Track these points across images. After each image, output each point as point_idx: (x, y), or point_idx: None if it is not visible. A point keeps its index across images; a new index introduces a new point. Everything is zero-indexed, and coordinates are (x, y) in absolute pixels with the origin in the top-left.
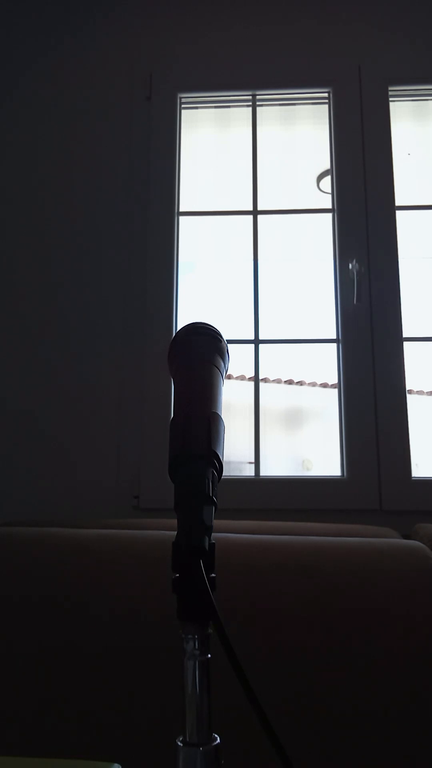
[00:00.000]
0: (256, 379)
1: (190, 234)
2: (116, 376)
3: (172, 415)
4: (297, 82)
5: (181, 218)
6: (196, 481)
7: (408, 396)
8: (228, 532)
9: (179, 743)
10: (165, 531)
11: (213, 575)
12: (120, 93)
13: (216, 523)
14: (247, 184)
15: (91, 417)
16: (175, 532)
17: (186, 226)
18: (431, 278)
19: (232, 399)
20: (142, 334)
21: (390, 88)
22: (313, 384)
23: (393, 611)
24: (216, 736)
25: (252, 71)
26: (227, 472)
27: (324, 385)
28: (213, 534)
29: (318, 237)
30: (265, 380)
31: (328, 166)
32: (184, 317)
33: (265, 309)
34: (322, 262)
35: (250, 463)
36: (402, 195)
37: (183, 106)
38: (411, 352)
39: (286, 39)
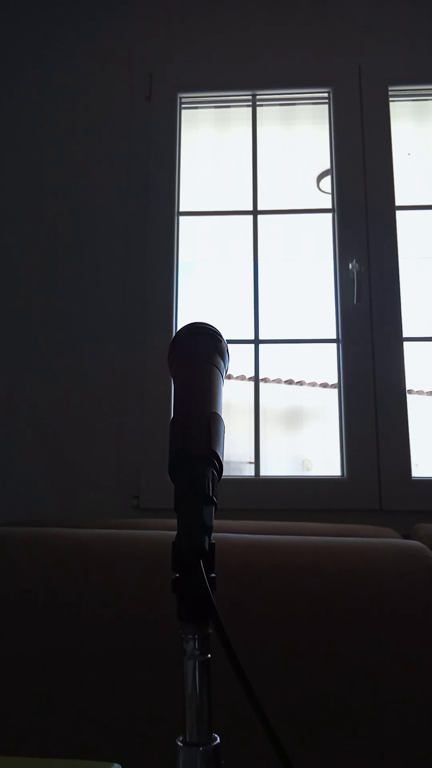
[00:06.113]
0: (256, 379)
1: (190, 234)
2: (116, 376)
3: (172, 415)
4: (297, 82)
5: (181, 218)
6: (196, 481)
7: (408, 396)
8: (228, 532)
9: (179, 743)
10: (165, 531)
11: (213, 575)
12: (120, 93)
13: (216, 523)
14: (247, 184)
15: (92, 417)
16: (175, 532)
17: (186, 226)
18: (431, 278)
19: (232, 399)
20: (142, 334)
21: (390, 88)
22: (313, 384)
23: (393, 611)
24: (216, 736)
25: (252, 71)
26: (227, 472)
27: (324, 385)
28: (213, 534)
29: (318, 237)
30: (265, 380)
31: (328, 166)
32: (184, 317)
33: (265, 309)
34: (322, 262)
35: (250, 463)
36: (402, 195)
37: (183, 106)
38: (411, 352)
39: (286, 39)
